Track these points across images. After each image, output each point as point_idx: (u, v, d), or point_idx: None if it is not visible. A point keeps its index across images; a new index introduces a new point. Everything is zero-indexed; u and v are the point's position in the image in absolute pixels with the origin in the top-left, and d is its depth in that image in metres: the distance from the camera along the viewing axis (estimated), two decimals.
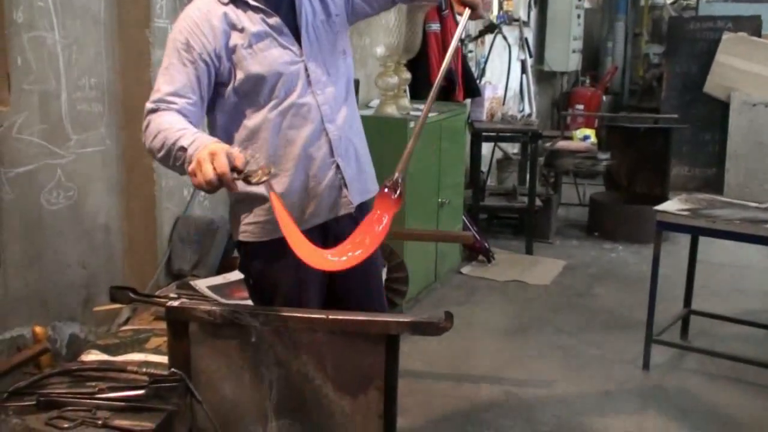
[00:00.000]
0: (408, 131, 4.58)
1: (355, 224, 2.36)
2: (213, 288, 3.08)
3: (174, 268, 3.55)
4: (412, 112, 4.87)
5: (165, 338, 2.27)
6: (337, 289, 2.53)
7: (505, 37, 7.86)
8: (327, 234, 2.45)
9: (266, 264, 2.44)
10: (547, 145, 7.19)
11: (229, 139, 2.31)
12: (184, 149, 2.07)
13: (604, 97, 10.19)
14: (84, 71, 3.23)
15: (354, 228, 2.31)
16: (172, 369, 2.18)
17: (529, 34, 9.11)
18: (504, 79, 7.92)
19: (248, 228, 2.42)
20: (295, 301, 2.41)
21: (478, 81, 6.95)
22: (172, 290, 3.09)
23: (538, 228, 6.45)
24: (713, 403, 3.85)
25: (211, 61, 2.27)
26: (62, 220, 3.20)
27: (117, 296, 2.48)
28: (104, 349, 2.55)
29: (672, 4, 10.56)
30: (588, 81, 10.36)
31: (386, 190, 2.30)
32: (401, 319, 2.23)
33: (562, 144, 7.22)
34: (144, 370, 2.27)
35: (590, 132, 7.86)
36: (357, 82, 4.91)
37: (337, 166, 2.41)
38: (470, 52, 7.24)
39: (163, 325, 2.30)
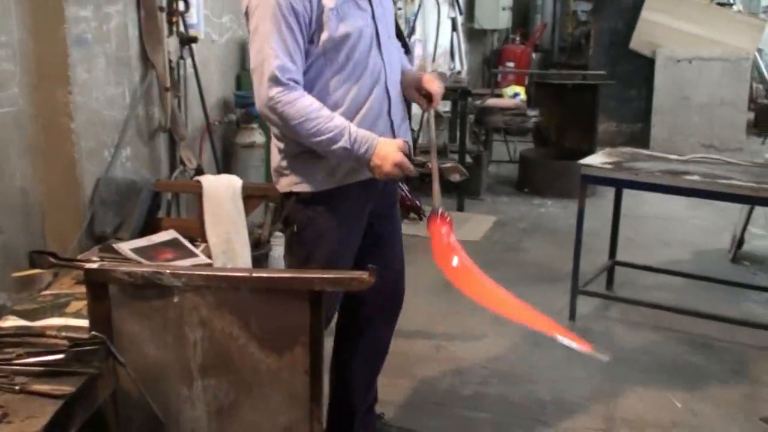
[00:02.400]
0: None
1: (393, 182, 2.67)
2: (137, 250, 3.03)
3: (96, 231, 3.47)
4: None
5: (86, 302, 2.23)
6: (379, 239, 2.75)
7: None
8: (370, 191, 2.63)
9: (315, 212, 2.58)
10: (478, 102, 7.23)
11: None
12: (346, 149, 2.40)
13: (534, 55, 10.28)
14: None
15: (392, 186, 2.74)
16: (93, 332, 2.14)
17: None
18: (434, 36, 7.91)
19: (298, 179, 2.56)
20: (338, 251, 2.60)
21: (407, 38, 6.93)
22: (95, 254, 3.02)
23: (469, 185, 6.49)
24: (635, 350, 3.97)
25: (308, 24, 2.38)
26: None
27: (36, 261, 2.41)
28: (22, 315, 2.48)
29: None
30: (518, 38, 10.42)
31: (437, 219, 2.60)
32: (324, 275, 2.23)
33: (492, 101, 7.27)
34: (64, 334, 2.23)
35: (520, 89, 7.94)
36: None
37: (392, 124, 2.61)
38: (399, 9, 7.20)
39: (83, 289, 2.26)
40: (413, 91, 2.73)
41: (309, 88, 2.45)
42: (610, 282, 4.72)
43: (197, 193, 3.40)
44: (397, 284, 2.89)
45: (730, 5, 9.57)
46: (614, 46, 8.69)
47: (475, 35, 9.94)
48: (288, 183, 2.59)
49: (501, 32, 10.43)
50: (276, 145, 2.61)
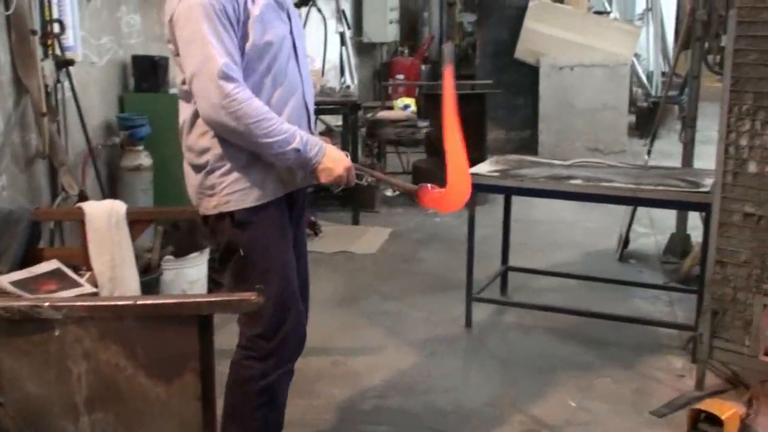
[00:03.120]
0: None
1: (304, 197, 2.70)
2: (17, 283, 2.91)
3: None
4: None
5: None
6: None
7: (319, 10, 7.85)
8: (293, 203, 2.63)
9: (257, 228, 2.50)
10: (369, 115, 7.27)
11: None
12: (297, 151, 2.37)
13: (423, 66, 10.41)
14: None
15: (305, 199, 2.73)
16: None
17: (347, 5, 9.15)
18: (321, 51, 7.92)
19: (231, 197, 2.47)
20: (287, 262, 2.56)
21: None
22: None
23: (363, 198, 6.53)
24: (530, 352, 4.05)
25: (237, 27, 2.35)
26: None
27: None
28: None
29: None
30: (407, 51, 10.54)
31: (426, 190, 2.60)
32: (212, 299, 2.20)
33: (383, 114, 7.33)
34: None
35: (410, 101, 8.03)
36: (167, 60, 4.78)
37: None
38: None
39: None
40: None
41: None
42: (504, 287, 4.81)
43: (80, 220, 3.30)
44: (303, 291, 2.82)
45: (607, 13, 9.95)
46: (500, 55, 8.87)
47: (364, 49, 10.02)
48: (217, 204, 2.50)
49: (390, 45, 10.54)
50: (195, 163, 2.51)
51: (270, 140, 2.35)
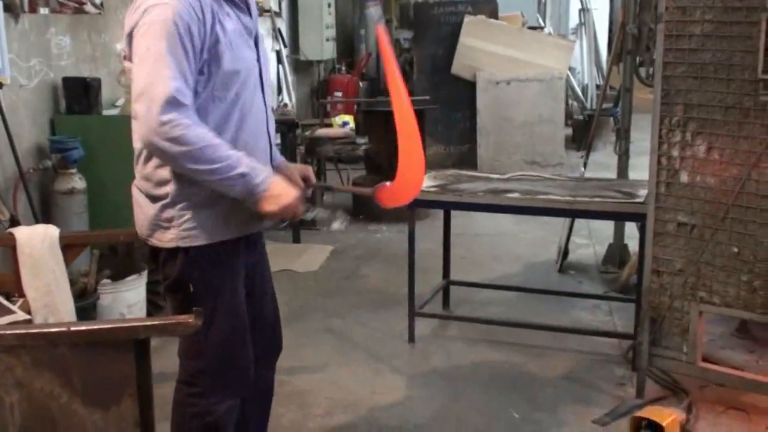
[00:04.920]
0: None
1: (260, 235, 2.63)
2: None
3: None
4: None
5: None
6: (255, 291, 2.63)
7: None
8: (253, 246, 2.57)
9: (211, 266, 2.42)
10: (307, 133, 7.25)
11: None
12: (243, 176, 2.23)
13: (361, 83, 10.43)
14: None
15: (260, 236, 2.62)
16: None
17: (282, 24, 9.13)
18: None
19: (191, 232, 2.37)
20: (237, 304, 2.48)
21: None
22: None
23: (303, 216, 6.47)
24: (474, 366, 4.07)
25: (199, 51, 2.23)
26: None
27: None
28: None
29: None
30: (344, 68, 10.56)
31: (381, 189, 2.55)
32: (148, 323, 2.16)
33: (321, 131, 7.31)
34: None
35: (349, 118, 8.02)
36: (99, 81, 4.70)
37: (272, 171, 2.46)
38: None
39: None
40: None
41: None
42: (446, 301, 4.83)
43: (11, 246, 3.21)
44: (275, 329, 2.78)
45: (541, 29, 10.12)
46: (437, 71, 8.94)
47: (301, 67, 10.00)
48: (173, 237, 2.37)
49: (327, 63, 10.54)
50: (152, 194, 2.38)
51: (215, 166, 2.20)
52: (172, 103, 2.15)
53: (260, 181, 2.27)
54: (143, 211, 2.43)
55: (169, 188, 2.35)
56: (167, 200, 2.36)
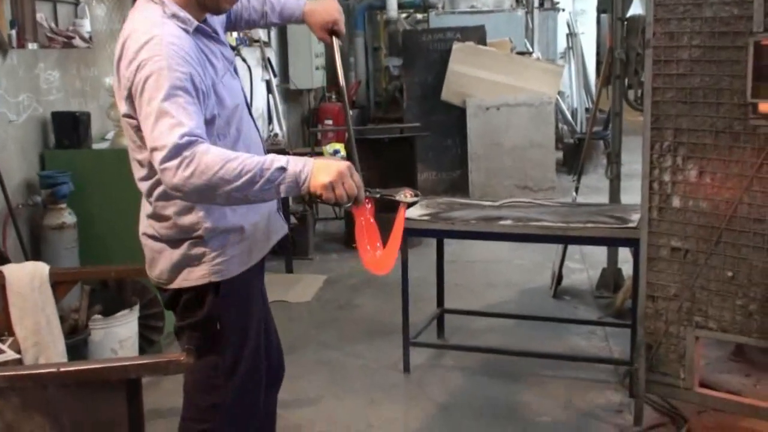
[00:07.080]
0: None
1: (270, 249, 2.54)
2: None
3: None
4: None
5: None
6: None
7: (244, 59, 7.84)
8: (260, 268, 2.54)
9: (239, 301, 2.41)
10: None
11: None
12: (283, 169, 2.05)
13: (351, 111, 10.44)
14: None
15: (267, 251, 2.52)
16: None
17: (272, 53, 9.15)
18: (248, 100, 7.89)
19: (221, 266, 2.33)
20: (261, 342, 2.48)
21: None
22: None
23: (296, 246, 6.47)
24: (470, 395, 4.04)
25: (204, 95, 2.18)
26: None
27: None
28: None
29: (405, 18, 11.01)
30: (334, 96, 10.58)
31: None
32: (139, 362, 2.13)
33: None
34: None
35: (340, 146, 8.00)
36: (89, 115, 4.69)
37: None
38: None
39: None
40: (323, 32, 2.62)
41: None
42: (440, 330, 4.79)
43: (0, 284, 3.18)
44: (279, 351, 2.79)
45: (530, 54, 10.16)
46: (427, 98, 8.96)
47: (291, 95, 10.01)
48: (205, 273, 2.31)
49: (317, 91, 10.56)
50: (173, 237, 2.32)
51: (248, 176, 2.03)
52: (178, 148, 2.04)
53: (302, 164, 2.08)
54: (164, 256, 2.36)
55: (199, 225, 2.30)
56: (198, 237, 2.31)
